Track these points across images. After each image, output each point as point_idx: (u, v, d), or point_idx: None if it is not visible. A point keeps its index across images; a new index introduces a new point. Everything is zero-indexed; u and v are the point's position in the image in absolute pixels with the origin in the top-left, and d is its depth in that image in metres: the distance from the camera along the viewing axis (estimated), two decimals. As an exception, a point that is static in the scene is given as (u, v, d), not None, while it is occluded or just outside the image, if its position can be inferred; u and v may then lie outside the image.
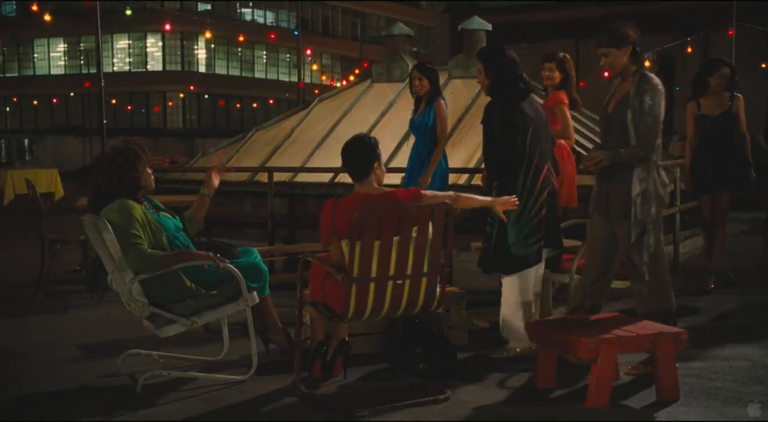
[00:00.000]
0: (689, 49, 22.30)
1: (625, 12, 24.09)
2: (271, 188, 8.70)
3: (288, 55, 55.66)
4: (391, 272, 4.68)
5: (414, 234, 4.69)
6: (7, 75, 55.29)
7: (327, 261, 4.85)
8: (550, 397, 4.90)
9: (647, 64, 6.90)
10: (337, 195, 6.60)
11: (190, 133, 42.81)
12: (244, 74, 53.46)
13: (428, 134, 7.40)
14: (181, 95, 48.62)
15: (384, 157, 9.13)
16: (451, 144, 9.08)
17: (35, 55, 53.92)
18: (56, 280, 8.63)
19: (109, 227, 5.02)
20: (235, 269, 5.17)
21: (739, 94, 7.73)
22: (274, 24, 54.85)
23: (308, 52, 31.32)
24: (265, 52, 53.29)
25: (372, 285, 4.67)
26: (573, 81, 7.33)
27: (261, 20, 53.76)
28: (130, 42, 50.70)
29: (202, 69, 51.86)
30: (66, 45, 53.05)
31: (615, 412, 4.61)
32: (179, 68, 50.29)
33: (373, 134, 9.67)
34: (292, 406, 4.79)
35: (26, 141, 22.75)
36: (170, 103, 49.53)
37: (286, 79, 55.01)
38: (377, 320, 5.07)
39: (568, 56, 7.34)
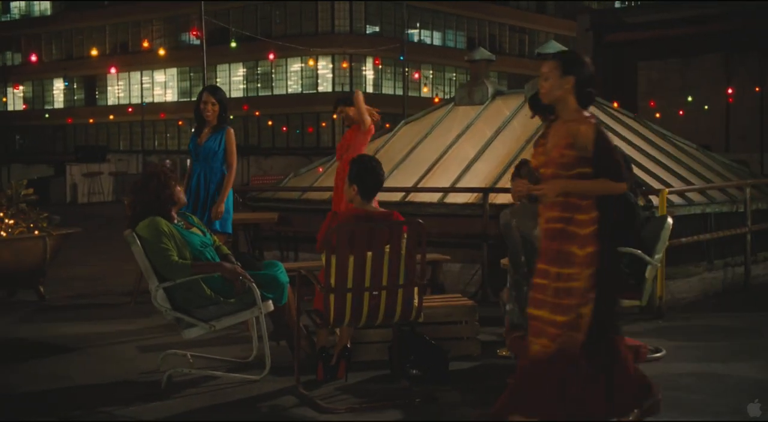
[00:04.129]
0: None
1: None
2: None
3: (454, 74, 56.44)
4: (367, 284, 5.15)
5: (387, 250, 5.15)
6: (193, 99, 58.80)
7: (312, 273, 5.40)
8: (519, 403, 5.21)
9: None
10: (408, 213, 7.13)
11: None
12: (410, 94, 54.64)
13: (218, 160, 7.58)
14: (334, 117, 50.17)
15: (453, 176, 9.63)
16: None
17: (218, 80, 57.12)
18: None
19: (138, 241, 5.75)
20: (252, 281, 5.78)
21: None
22: (441, 44, 55.84)
23: (416, 75, 32.21)
24: (431, 72, 54.19)
25: (349, 295, 5.16)
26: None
27: (428, 41, 54.76)
28: (302, 65, 52.93)
29: (369, 89, 53.47)
30: (245, 70, 55.94)
31: (568, 418, 4.88)
32: (348, 89, 52.05)
33: (446, 155, 10.12)
34: (286, 403, 5.35)
35: (188, 161, 24.54)
36: (323, 124, 51.28)
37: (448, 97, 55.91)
38: (359, 327, 5.53)
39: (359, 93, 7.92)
